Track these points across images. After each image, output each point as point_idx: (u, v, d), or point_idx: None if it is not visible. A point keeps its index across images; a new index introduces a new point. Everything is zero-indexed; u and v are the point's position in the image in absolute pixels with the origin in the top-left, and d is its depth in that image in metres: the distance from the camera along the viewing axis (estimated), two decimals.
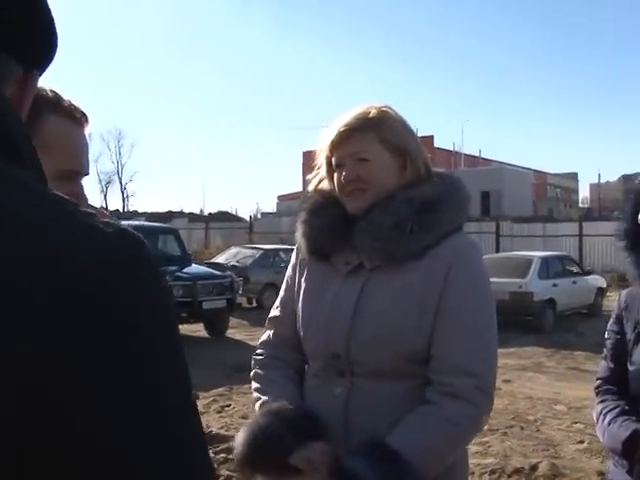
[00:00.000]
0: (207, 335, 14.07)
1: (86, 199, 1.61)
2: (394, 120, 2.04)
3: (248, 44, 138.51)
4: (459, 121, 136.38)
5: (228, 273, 14.81)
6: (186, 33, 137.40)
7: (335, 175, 2.04)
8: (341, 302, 1.98)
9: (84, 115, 1.58)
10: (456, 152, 58.56)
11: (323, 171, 2.11)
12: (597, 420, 2.34)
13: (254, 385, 2.14)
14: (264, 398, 2.04)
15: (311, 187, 2.18)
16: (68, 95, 1.60)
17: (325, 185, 2.13)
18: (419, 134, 2.11)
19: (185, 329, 14.26)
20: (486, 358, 1.91)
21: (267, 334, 2.20)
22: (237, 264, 17.96)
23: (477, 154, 67.09)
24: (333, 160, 2.04)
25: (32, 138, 1.01)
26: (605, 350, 2.42)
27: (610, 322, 2.43)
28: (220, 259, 19.46)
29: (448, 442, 1.87)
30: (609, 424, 2.24)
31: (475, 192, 45.22)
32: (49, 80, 1.59)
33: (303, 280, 2.13)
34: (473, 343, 1.89)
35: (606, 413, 2.28)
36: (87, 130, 1.61)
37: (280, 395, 2.01)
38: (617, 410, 2.25)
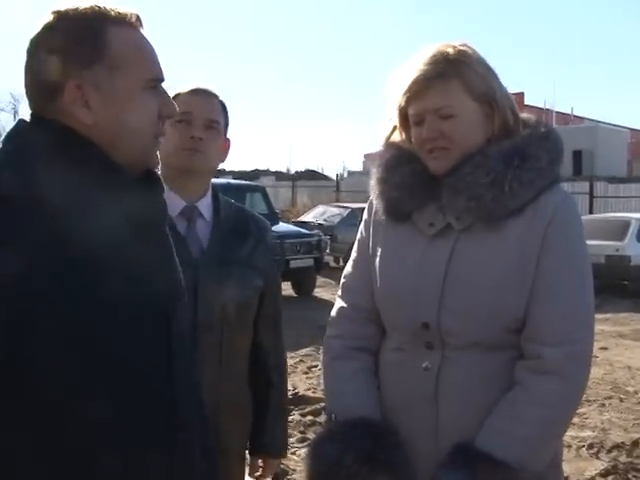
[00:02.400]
0: (294, 294, 14.05)
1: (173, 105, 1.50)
2: (477, 61, 1.78)
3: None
4: (550, 77, 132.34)
5: (315, 232, 14.72)
6: None
7: (413, 130, 1.80)
8: (429, 266, 1.77)
9: (137, 17, 1.44)
10: (547, 110, 57.00)
11: (395, 121, 1.88)
12: None
13: (326, 381, 1.99)
14: (335, 407, 1.89)
15: (383, 140, 1.94)
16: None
17: (398, 137, 1.90)
18: (509, 91, 1.85)
19: None
20: (583, 322, 1.71)
21: (341, 306, 1.99)
22: (324, 223, 17.85)
23: (569, 112, 65.27)
24: (410, 113, 1.80)
25: (102, 59, 1.30)
26: None
27: None
28: (307, 218, 19.39)
29: (544, 429, 1.67)
30: None
31: (567, 151, 43.25)
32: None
33: (380, 244, 1.91)
34: (569, 306, 1.69)
35: None
36: (144, 32, 1.45)
37: (352, 407, 1.84)
38: None
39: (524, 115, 1.87)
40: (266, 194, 15.44)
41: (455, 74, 1.74)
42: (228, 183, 16.29)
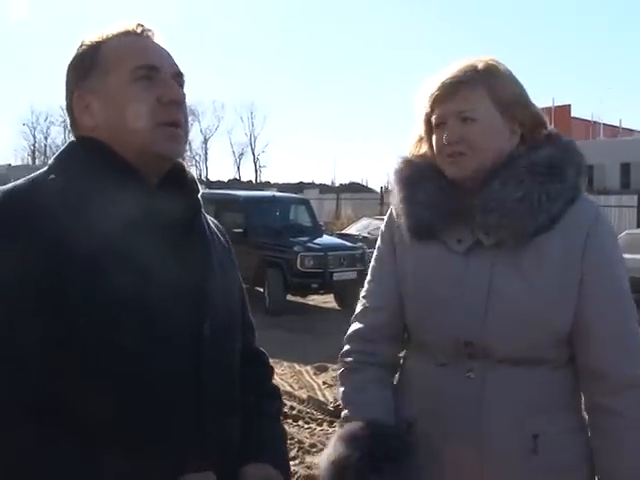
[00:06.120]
0: (337, 306, 14.04)
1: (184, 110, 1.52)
2: (504, 74, 1.79)
3: (382, 17, 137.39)
4: (598, 89, 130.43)
5: (359, 244, 14.69)
6: (319, 4, 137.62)
7: (434, 134, 1.80)
8: (470, 285, 1.75)
9: (142, 26, 1.54)
10: (595, 122, 56.25)
11: (419, 131, 1.88)
12: None
13: (340, 393, 1.98)
14: (350, 413, 1.85)
15: (406, 150, 1.93)
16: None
17: (420, 149, 1.90)
18: (555, 103, 1.86)
19: (315, 300, 14.32)
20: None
21: (358, 328, 1.95)
22: (368, 235, 17.80)
23: (617, 124, 64.46)
24: (433, 118, 1.79)
25: (96, 67, 1.46)
26: None
27: None
28: (351, 230, 19.40)
29: None
30: None
31: (615, 164, 43.19)
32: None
33: (409, 262, 1.87)
34: (620, 329, 1.72)
35: None
36: (158, 39, 1.55)
37: (366, 412, 1.81)
38: None
39: (549, 128, 1.87)
40: (310, 207, 15.51)
41: (481, 82, 1.75)
42: (273, 196, 16.41)
